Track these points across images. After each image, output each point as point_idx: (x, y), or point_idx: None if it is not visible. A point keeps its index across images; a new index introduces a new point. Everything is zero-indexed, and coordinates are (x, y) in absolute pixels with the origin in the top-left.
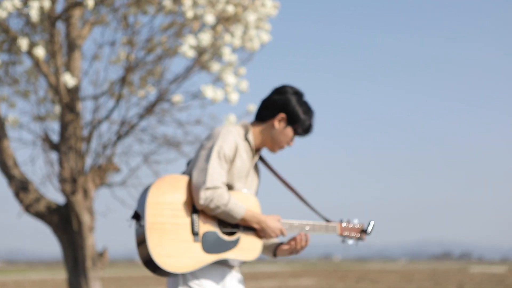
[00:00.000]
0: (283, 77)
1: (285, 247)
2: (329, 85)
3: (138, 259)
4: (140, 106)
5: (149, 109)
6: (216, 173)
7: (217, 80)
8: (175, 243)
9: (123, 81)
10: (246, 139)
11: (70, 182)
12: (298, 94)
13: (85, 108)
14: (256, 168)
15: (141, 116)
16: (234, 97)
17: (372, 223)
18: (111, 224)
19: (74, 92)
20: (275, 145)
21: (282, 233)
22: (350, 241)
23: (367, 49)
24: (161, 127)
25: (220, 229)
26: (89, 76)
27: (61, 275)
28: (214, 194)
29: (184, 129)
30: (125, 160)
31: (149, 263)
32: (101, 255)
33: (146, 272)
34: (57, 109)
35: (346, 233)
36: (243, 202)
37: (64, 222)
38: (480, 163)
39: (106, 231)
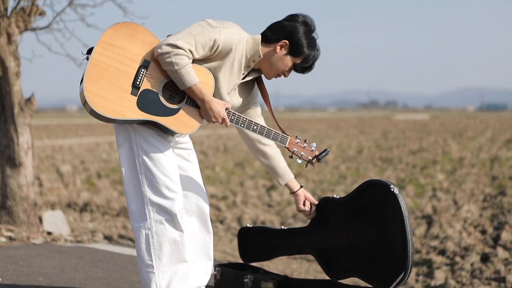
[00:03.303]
0: None
1: (301, 202)
2: None
3: (70, 109)
4: None
5: None
6: (192, 44)
7: None
8: (111, 88)
9: None
10: (248, 50)
11: None
12: (308, 26)
13: None
14: (248, 85)
15: None
16: None
17: (326, 151)
18: (39, 72)
19: None
20: (271, 71)
21: (224, 122)
22: (298, 160)
23: None
24: None
25: (163, 93)
26: None
27: None
28: (175, 51)
29: None
30: (50, 3)
31: (82, 99)
32: (28, 100)
33: (75, 120)
34: None
35: (294, 149)
36: (200, 77)
37: None
38: (403, 13)
39: (34, 79)
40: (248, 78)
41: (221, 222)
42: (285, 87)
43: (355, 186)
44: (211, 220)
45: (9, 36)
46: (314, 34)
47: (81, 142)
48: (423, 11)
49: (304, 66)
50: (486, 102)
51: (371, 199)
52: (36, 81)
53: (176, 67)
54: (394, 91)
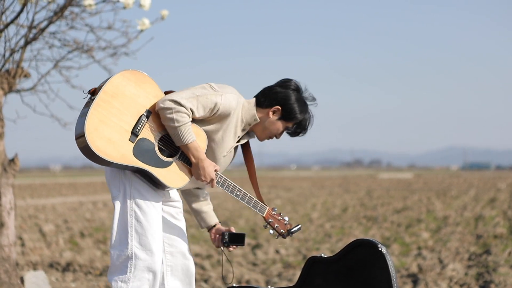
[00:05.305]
0: None
1: (214, 237)
2: None
3: (53, 168)
4: (49, 10)
5: (58, 13)
6: (194, 104)
7: None
8: (111, 131)
9: None
10: (245, 114)
11: None
12: (300, 92)
13: None
14: (234, 149)
15: (51, 20)
16: (146, 2)
17: (298, 227)
18: (23, 132)
19: None
20: (263, 134)
21: (211, 183)
22: (271, 231)
23: None
24: (72, 32)
25: (159, 145)
26: None
27: None
28: (177, 108)
29: (96, 34)
30: (35, 65)
31: (80, 136)
32: (12, 161)
33: (59, 180)
34: None
35: (270, 220)
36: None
37: None
38: (387, 74)
39: (18, 138)
40: (242, 141)
41: (206, 281)
42: (269, 146)
43: (340, 244)
44: (195, 280)
45: None
46: (306, 100)
47: (65, 201)
48: (406, 72)
49: (297, 130)
50: (469, 161)
51: (359, 258)
52: (20, 140)
53: (176, 124)
54: (378, 150)
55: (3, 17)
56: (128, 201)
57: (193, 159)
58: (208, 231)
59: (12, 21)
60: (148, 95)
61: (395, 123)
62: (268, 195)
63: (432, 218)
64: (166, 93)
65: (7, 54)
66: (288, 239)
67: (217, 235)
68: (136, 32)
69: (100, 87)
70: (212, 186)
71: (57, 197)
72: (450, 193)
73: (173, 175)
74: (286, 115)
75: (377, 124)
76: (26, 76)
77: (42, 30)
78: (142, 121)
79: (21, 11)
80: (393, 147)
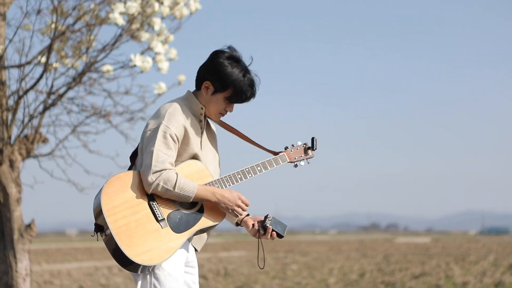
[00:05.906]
0: (213, 46)
1: (250, 225)
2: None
3: (69, 233)
4: (68, 76)
5: (77, 79)
6: (162, 155)
7: (147, 50)
8: (146, 237)
9: (49, 50)
10: (190, 110)
11: None
12: (232, 58)
13: (11, 77)
14: (210, 132)
15: (69, 86)
16: (165, 65)
17: (314, 139)
18: (40, 196)
19: None
20: (212, 114)
21: (243, 203)
22: (302, 163)
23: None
24: (90, 97)
25: (182, 205)
26: (15, 45)
27: None
28: (160, 177)
29: (114, 100)
30: (53, 130)
31: (131, 266)
32: (28, 226)
33: (75, 244)
34: None
35: (295, 158)
36: (195, 175)
37: None
38: (404, 137)
39: (34, 203)
40: (204, 127)
41: None
42: (286, 209)
43: None
44: None
45: (11, 163)
46: (239, 63)
47: (80, 267)
48: (422, 134)
49: (239, 98)
50: (488, 226)
51: None
52: (36, 205)
53: (172, 189)
54: (395, 214)
55: (23, 84)
56: (148, 275)
57: (212, 199)
58: (241, 224)
59: (31, 87)
60: (135, 185)
61: (411, 186)
62: (284, 260)
63: (451, 284)
64: (132, 159)
65: (26, 119)
66: (313, 154)
67: (255, 222)
68: (153, 96)
69: (102, 220)
70: (247, 205)
71: (73, 262)
72: (469, 258)
73: (212, 215)
74: (218, 86)
75: (393, 187)
76: (44, 141)
77: (61, 96)
78: (155, 206)
79: (41, 77)
80: (410, 210)
